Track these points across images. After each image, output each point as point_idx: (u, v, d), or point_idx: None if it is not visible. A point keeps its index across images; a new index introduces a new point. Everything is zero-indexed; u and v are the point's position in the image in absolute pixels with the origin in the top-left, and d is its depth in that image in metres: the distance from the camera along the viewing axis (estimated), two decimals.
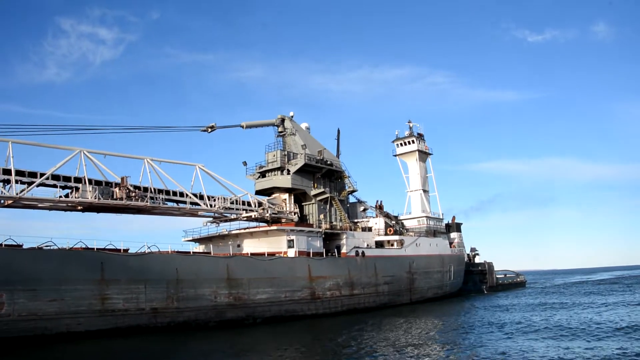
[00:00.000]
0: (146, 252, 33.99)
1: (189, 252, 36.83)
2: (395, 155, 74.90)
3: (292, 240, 44.73)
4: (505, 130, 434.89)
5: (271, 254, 42.31)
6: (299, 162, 50.71)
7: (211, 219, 48.89)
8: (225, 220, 48.71)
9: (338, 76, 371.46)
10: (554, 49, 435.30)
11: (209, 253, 37.79)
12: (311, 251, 44.89)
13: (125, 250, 34.14)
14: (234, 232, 47.57)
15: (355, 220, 58.36)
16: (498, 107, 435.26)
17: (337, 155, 61.77)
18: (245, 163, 54.77)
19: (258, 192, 52.59)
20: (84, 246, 31.90)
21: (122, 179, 39.04)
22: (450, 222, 77.44)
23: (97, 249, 32.18)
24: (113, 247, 33.15)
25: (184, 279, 34.40)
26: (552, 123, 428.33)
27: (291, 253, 44.16)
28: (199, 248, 50.66)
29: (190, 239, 50.33)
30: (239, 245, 47.63)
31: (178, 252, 36.74)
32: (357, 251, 48.57)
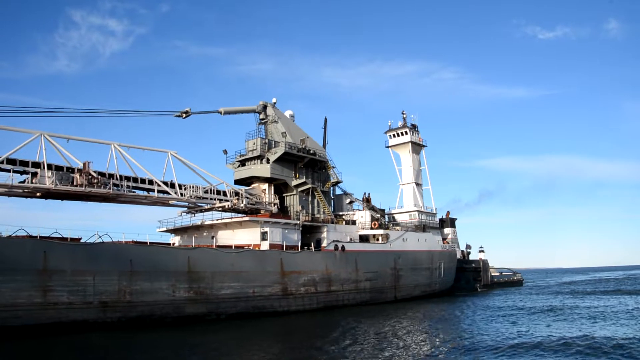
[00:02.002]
0: (96, 241, 31.67)
1: (146, 243, 34.44)
2: (387, 147, 72.18)
3: (266, 232, 42.33)
4: (513, 126, 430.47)
5: (239, 247, 39.89)
6: (279, 151, 48.17)
7: (186, 209, 46.72)
8: (201, 211, 46.38)
9: (348, 71, 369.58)
10: (565, 46, 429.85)
11: (169, 244, 35.40)
12: (285, 244, 42.38)
13: (77, 240, 31.87)
14: (207, 222, 45.20)
15: (341, 213, 55.90)
16: (507, 103, 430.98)
17: (324, 145, 59.27)
18: (225, 151, 52.30)
19: (237, 182, 50.25)
20: (25, 234, 29.61)
21: (84, 164, 36.80)
22: (444, 217, 74.70)
23: (40, 237, 29.88)
24: (59, 236, 30.82)
25: (138, 270, 32.06)
26: (561, 120, 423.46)
27: (265, 246, 41.79)
28: (175, 239, 48.56)
29: (165, 229, 48.11)
30: (213, 237, 45.32)
31: (135, 242, 34.38)
32: (336, 245, 46.00)
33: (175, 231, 48.25)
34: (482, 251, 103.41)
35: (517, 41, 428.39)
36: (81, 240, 32.00)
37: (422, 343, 26.20)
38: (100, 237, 31.99)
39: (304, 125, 54.77)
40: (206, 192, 43.37)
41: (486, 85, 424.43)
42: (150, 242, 34.46)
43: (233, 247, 39.18)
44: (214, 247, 38.47)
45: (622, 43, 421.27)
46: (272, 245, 41.54)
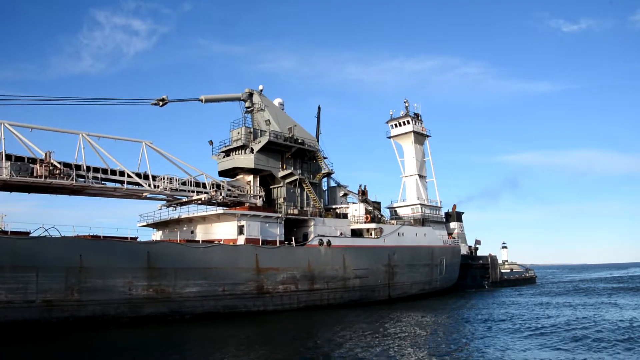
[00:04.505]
0: (41, 235, 29.18)
1: (99, 237, 31.84)
2: (389, 137, 68.60)
3: (243, 225, 39.50)
4: (537, 121, 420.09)
5: (209, 241, 37.14)
6: (263, 140, 45.20)
7: (165, 202, 44.26)
8: (181, 204, 43.86)
9: (371, 67, 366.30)
10: (590, 38, 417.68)
11: (126, 238, 32.76)
12: (262, 238, 39.46)
13: (26, 233, 29.48)
14: (183, 216, 42.63)
15: (334, 206, 52.74)
16: (531, 98, 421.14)
17: (317, 135, 56.17)
18: (211, 142, 49.63)
19: (222, 174, 47.54)
20: None
21: (46, 154, 34.57)
22: (450, 210, 70.86)
23: None
24: None
25: (89, 266, 29.50)
26: (585, 114, 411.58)
27: (241, 240, 38.96)
28: (156, 234, 46.30)
29: (145, 224, 45.89)
30: (192, 232, 42.87)
31: (92, 236, 31.80)
32: (321, 240, 42.85)
33: (156, 226, 45.98)
34: (505, 247, 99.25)
35: (540, 35, 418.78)
36: (30, 234, 29.61)
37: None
38: (46, 230, 29.51)
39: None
40: (184, 184, 40.82)
41: (509, 80, 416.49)
42: (104, 236, 31.85)
43: (200, 242, 36.43)
44: (178, 241, 35.72)
45: None
46: (248, 240, 38.68)
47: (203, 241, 37.01)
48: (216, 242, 37.54)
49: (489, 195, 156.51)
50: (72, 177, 34.78)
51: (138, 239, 34.13)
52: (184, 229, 43.76)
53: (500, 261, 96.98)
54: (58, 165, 34.45)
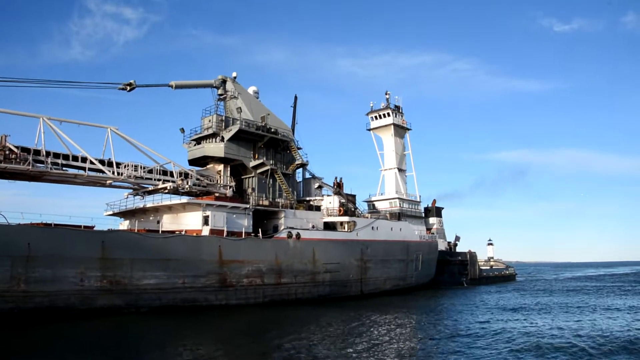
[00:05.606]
0: None
1: (50, 224, 30.47)
2: (369, 130, 67.42)
3: (208, 216, 38.23)
4: (526, 119, 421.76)
5: (170, 232, 35.85)
6: (233, 129, 43.88)
7: (131, 190, 42.89)
8: (149, 192, 42.48)
9: (363, 61, 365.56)
10: (581, 38, 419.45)
11: (79, 226, 31.36)
12: (227, 229, 38.23)
13: None
14: (149, 205, 41.23)
15: (308, 199, 51.57)
16: (520, 95, 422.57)
17: (293, 125, 54.91)
18: (182, 130, 48.10)
19: (192, 162, 46.15)
20: None
21: (1, 137, 33.08)
22: (429, 206, 69.97)
23: None
24: None
25: (37, 255, 28.16)
26: (576, 114, 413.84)
27: (206, 231, 37.72)
28: (124, 223, 44.88)
29: (111, 212, 44.42)
30: (158, 222, 41.50)
31: (44, 224, 30.42)
32: (289, 232, 41.70)
33: (123, 215, 44.53)
34: (491, 244, 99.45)
35: (532, 33, 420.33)
36: None
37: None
38: None
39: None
40: (150, 172, 39.48)
41: (500, 77, 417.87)
42: (55, 224, 30.46)
43: (160, 232, 35.14)
44: (136, 230, 34.40)
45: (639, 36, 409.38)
46: (213, 231, 37.45)
47: (163, 231, 35.73)
48: (177, 232, 36.22)
49: (491, 188, 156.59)
50: (29, 162, 33.32)
51: (95, 228, 32.81)
52: (151, 218, 42.44)
53: (485, 258, 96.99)
54: (14, 150, 33.00)
